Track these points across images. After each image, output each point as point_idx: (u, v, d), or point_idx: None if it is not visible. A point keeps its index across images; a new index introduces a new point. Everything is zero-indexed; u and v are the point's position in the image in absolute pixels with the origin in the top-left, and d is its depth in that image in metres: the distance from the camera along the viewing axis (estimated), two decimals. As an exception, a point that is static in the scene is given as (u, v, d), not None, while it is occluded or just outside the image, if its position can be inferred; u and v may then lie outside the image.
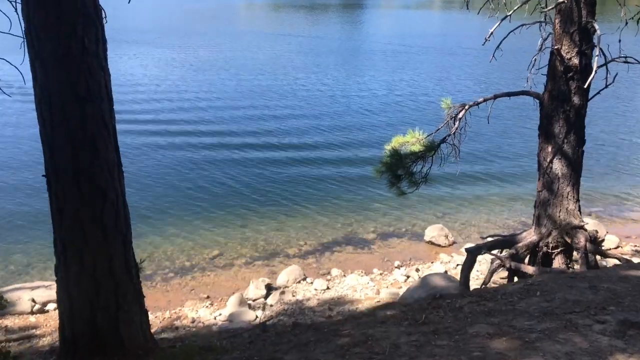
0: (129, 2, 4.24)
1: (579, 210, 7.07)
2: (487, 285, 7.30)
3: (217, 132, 19.96)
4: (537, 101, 7.35)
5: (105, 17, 3.88)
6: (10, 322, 9.41)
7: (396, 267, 11.54)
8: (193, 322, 9.55)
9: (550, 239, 7.01)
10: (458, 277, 10.41)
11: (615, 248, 12.11)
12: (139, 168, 16.06)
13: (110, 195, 3.18)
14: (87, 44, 2.88)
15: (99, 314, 3.32)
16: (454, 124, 7.81)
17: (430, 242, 12.55)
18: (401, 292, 10.01)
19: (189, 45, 40.88)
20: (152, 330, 9.34)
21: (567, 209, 6.95)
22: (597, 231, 8.01)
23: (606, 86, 7.01)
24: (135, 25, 50.51)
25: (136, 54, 36.08)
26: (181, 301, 10.40)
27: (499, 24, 6.84)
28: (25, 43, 2.88)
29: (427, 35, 47.68)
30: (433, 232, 12.65)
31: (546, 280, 4.19)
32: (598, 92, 6.95)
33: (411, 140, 8.32)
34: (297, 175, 16.21)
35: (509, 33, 7.35)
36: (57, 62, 2.86)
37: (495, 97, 7.63)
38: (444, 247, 12.43)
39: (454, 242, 12.59)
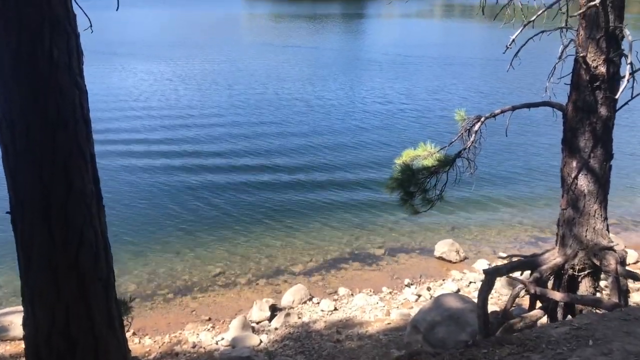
0: (117, 9, 3.77)
1: (607, 229, 6.57)
2: (509, 310, 6.79)
3: (215, 147, 19.30)
4: (559, 113, 6.86)
5: (91, 26, 3.42)
6: (1, 349, 8.94)
7: (406, 285, 11.04)
8: (194, 347, 9.06)
9: (576, 261, 6.50)
10: (472, 296, 9.93)
11: (635, 263, 11.61)
12: (131, 187, 15.47)
13: (87, 234, 2.71)
14: (57, 56, 2.41)
15: (75, 379, 2.80)
16: (469, 137, 7.33)
17: (441, 258, 12.05)
18: (412, 312, 9.51)
19: (184, 57, 40.12)
20: (151, 357, 8.90)
21: (594, 229, 6.45)
22: (626, 252, 7.51)
23: (632, 97, 6.53)
24: (130, 37, 50.10)
25: (127, 67, 34.78)
26: (181, 324, 9.92)
27: (521, 31, 6.37)
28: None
29: (431, 45, 47.30)
30: (443, 247, 12.17)
31: (595, 323, 3.67)
32: (626, 103, 6.47)
33: (423, 154, 7.84)
34: (300, 189, 15.74)
35: (528, 40, 6.89)
36: (20, 78, 2.39)
37: (514, 108, 7.15)
38: (455, 263, 11.94)
39: (465, 258, 12.10)
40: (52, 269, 2.66)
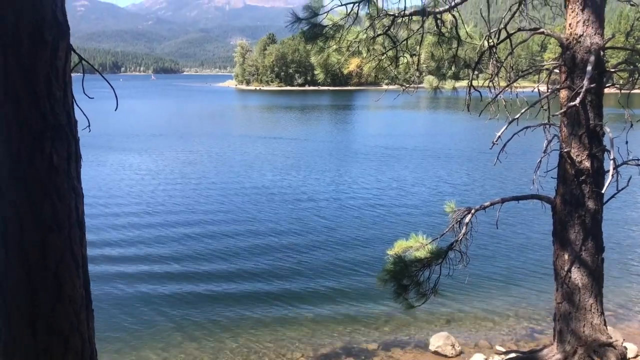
0: (115, 110, 3.87)
1: (605, 324, 6.46)
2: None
3: (198, 239, 18.99)
4: (548, 205, 6.97)
5: (89, 125, 3.49)
6: None
7: (401, 383, 10.56)
8: None
9: (576, 358, 6.33)
10: (470, 394, 9.50)
11: (635, 357, 11.28)
12: (114, 285, 15.05)
13: (73, 342, 2.59)
14: (57, 161, 2.44)
15: None
16: (461, 229, 7.37)
17: (436, 353, 11.62)
18: (409, 413, 9.03)
19: (167, 149, 40.83)
20: None
21: (591, 324, 6.34)
22: (625, 347, 7.33)
23: (617, 190, 6.68)
24: (117, 129, 51.25)
25: (104, 160, 34.99)
26: None
27: (506, 128, 6.61)
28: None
29: (417, 136, 48.81)
30: (438, 341, 11.78)
31: None
32: (612, 196, 6.61)
33: (415, 245, 7.84)
34: (289, 280, 15.45)
35: (513, 135, 7.13)
36: (17, 183, 2.40)
37: (503, 200, 7.26)
38: (451, 357, 11.50)
39: (461, 352, 11.68)
40: (32, 380, 2.52)
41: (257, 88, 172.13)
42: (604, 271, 6.51)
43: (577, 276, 6.40)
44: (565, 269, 6.47)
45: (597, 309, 6.38)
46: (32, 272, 2.46)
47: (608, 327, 7.52)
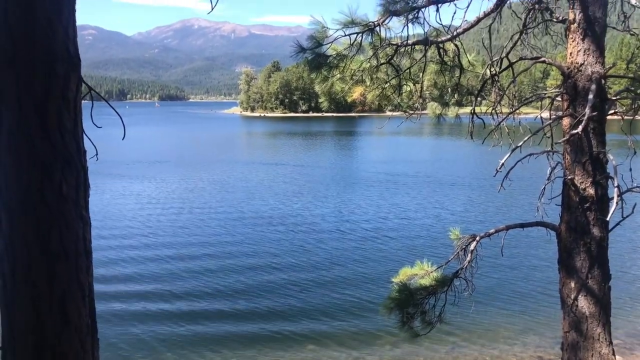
0: (123, 139, 3.92)
1: (614, 353, 6.36)
2: None
3: (198, 274, 18.53)
4: (553, 232, 6.94)
5: (97, 154, 3.54)
6: None
7: (407, 414, 10.38)
8: None
9: (585, 388, 6.23)
10: None
11: (645, 387, 11.10)
12: (117, 310, 15.01)
13: (79, 372, 2.60)
14: (66, 191, 2.48)
15: None
16: (466, 257, 7.33)
17: (442, 383, 11.47)
18: None
19: (169, 176, 41.06)
20: None
21: (600, 353, 6.25)
22: (635, 377, 7.21)
23: (622, 217, 6.66)
24: (126, 156, 51.60)
25: (113, 188, 34.97)
26: None
27: (509, 155, 6.64)
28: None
29: (421, 163, 48.92)
30: (444, 371, 11.63)
31: None
32: (617, 224, 6.58)
33: (420, 273, 7.78)
34: (293, 307, 15.31)
35: (517, 162, 7.16)
36: (26, 211, 2.43)
37: (508, 228, 7.24)
38: (458, 389, 11.33)
39: (467, 382, 11.52)
40: (37, 410, 2.51)
41: (262, 115, 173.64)
42: (611, 299, 6.46)
43: (584, 304, 6.34)
44: (572, 297, 6.41)
45: (605, 338, 6.30)
46: (39, 300, 2.48)
47: (617, 357, 7.38)
